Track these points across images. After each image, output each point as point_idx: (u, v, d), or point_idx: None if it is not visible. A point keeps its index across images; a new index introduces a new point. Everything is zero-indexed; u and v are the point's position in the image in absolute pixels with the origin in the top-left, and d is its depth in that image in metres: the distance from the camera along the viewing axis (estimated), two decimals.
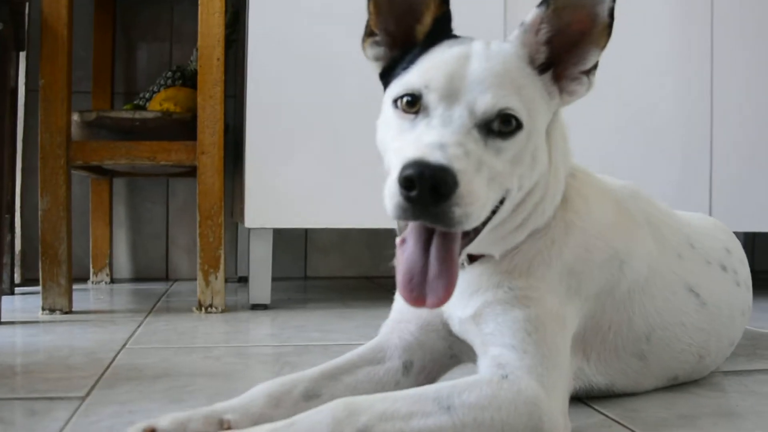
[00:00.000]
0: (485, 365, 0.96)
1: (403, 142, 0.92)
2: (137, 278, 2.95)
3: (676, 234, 1.25)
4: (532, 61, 0.99)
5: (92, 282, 2.79)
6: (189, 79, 2.55)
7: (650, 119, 2.35)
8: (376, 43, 1.05)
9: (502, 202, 0.95)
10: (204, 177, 2.10)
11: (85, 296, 2.45)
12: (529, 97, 0.95)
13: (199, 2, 2.12)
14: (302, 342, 1.66)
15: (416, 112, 0.94)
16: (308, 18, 2.17)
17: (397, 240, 0.93)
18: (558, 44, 0.99)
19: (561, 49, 1.00)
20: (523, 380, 0.90)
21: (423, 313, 1.12)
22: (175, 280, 2.93)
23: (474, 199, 0.85)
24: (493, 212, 0.94)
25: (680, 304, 1.20)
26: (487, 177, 0.89)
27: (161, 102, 2.35)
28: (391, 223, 2.44)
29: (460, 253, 0.92)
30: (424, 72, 0.95)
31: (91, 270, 2.80)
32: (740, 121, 2.40)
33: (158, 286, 2.73)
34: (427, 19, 1.01)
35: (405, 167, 0.82)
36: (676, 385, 1.26)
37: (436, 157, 0.83)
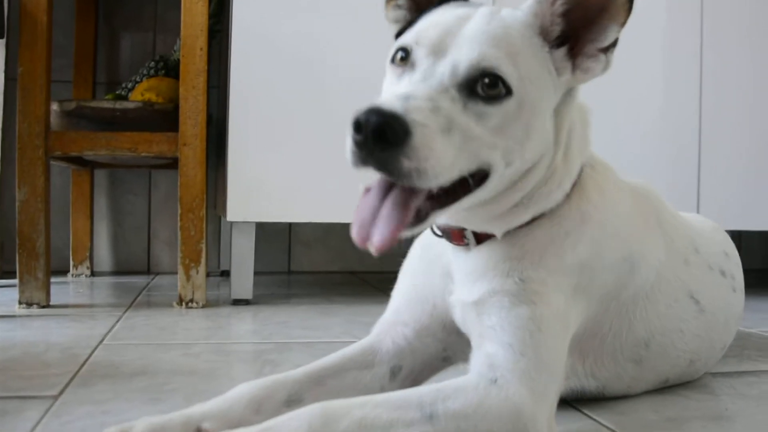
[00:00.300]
0: (477, 363, 0.92)
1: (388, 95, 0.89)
2: (118, 271, 2.91)
3: (684, 239, 1.21)
4: (544, 33, 0.94)
5: (72, 275, 2.74)
6: (172, 69, 2.50)
7: (638, 117, 2.33)
8: (398, 6, 1.02)
9: (486, 178, 0.90)
10: (186, 169, 2.06)
11: (64, 289, 2.41)
12: (527, 66, 0.90)
13: None
14: (284, 339, 1.63)
15: (406, 68, 0.92)
16: (293, 8, 2.13)
17: (361, 188, 0.89)
18: (575, 18, 0.94)
19: (578, 23, 0.94)
20: (512, 386, 0.87)
21: (422, 317, 1.08)
22: (157, 274, 2.89)
23: (429, 155, 0.80)
24: (477, 185, 0.90)
25: (681, 311, 1.17)
26: (458, 140, 0.84)
27: (143, 92, 2.31)
28: None
29: (428, 216, 0.87)
30: (422, 29, 0.92)
31: (71, 262, 2.75)
32: (728, 118, 2.38)
33: (139, 280, 2.69)
34: None
35: (358, 112, 0.80)
36: (665, 388, 1.24)
37: (393, 105, 0.80)
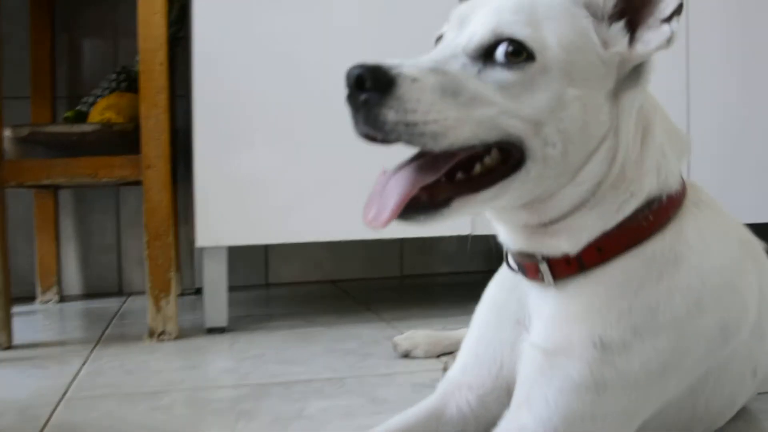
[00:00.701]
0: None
1: None
2: (89, 294, 2.78)
3: None
4: (593, 6, 0.86)
5: (40, 301, 2.61)
6: (135, 81, 2.38)
7: None
8: None
9: (521, 164, 0.83)
10: (150, 193, 1.95)
11: (29, 323, 2.27)
12: (555, 32, 0.83)
13: (137, 2, 1.95)
14: (261, 379, 1.52)
15: None
16: (262, 6, 1.98)
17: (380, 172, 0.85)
18: None
19: None
20: None
21: (487, 381, 1.00)
22: (129, 294, 2.76)
23: (418, 108, 0.76)
24: (513, 170, 0.83)
25: (742, 387, 1.04)
26: (466, 103, 0.79)
27: (102, 111, 2.18)
28: (355, 235, 2.26)
29: (451, 202, 0.81)
30: (456, 9, 0.91)
31: (39, 289, 2.63)
32: (717, 116, 2.29)
33: (111, 303, 2.57)
34: None
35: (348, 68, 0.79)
36: None
37: (382, 61, 0.78)
